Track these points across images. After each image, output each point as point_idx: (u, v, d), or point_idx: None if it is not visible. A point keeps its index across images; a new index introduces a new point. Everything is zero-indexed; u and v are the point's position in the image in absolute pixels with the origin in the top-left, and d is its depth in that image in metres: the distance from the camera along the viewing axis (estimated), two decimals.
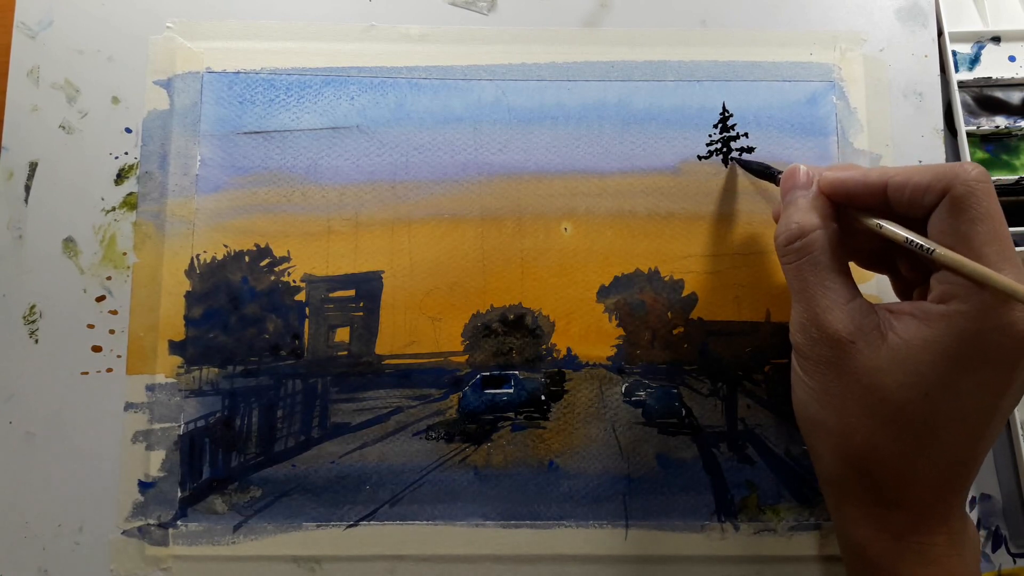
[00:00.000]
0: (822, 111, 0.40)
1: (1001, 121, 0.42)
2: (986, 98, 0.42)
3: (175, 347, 0.38)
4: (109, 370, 0.38)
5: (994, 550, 0.38)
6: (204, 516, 0.37)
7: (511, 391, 0.38)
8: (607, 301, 0.39)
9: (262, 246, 0.39)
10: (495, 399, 0.38)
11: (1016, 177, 0.40)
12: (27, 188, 0.39)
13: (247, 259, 0.39)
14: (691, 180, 0.40)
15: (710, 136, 0.40)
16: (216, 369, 0.38)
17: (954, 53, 0.42)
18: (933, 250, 0.28)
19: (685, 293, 0.39)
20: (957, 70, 0.42)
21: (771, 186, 0.38)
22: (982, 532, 0.38)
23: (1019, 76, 0.42)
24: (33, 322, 0.38)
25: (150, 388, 0.38)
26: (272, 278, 0.39)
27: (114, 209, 0.39)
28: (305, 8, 0.41)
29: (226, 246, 0.39)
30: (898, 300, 0.35)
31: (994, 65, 0.42)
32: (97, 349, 0.38)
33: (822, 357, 0.30)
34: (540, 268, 0.39)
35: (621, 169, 0.40)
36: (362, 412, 0.38)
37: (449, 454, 0.38)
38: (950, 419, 0.29)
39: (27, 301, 0.38)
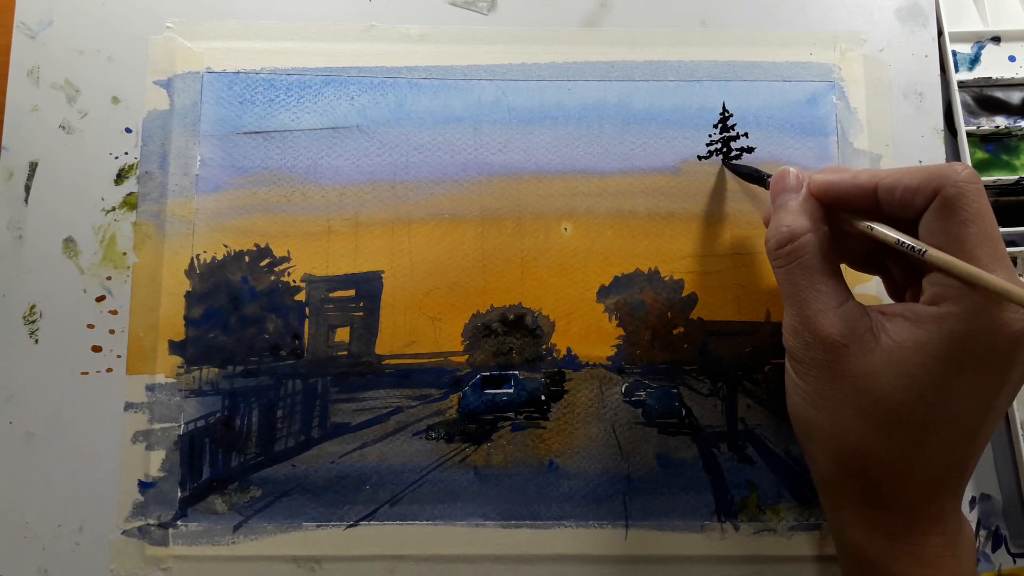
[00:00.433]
0: (822, 111, 0.40)
1: (1001, 121, 0.42)
2: (986, 98, 0.42)
3: (175, 347, 0.38)
4: (109, 370, 0.38)
5: (994, 550, 0.38)
6: (204, 516, 0.37)
7: (511, 391, 0.38)
8: (607, 301, 0.39)
9: (262, 246, 0.39)
10: (495, 399, 0.38)
11: (1016, 177, 0.40)
12: (27, 188, 0.39)
13: (247, 259, 0.39)
14: (691, 180, 0.40)
15: (710, 136, 0.40)
16: (216, 369, 0.38)
17: (954, 53, 0.42)
18: (924, 251, 0.28)
19: (685, 293, 0.39)
20: (957, 70, 0.42)
21: (761, 190, 0.38)
22: (982, 532, 0.38)
23: (1019, 76, 0.42)
24: (33, 322, 0.38)
25: (150, 388, 0.38)
26: (272, 278, 0.39)
27: (114, 209, 0.39)
28: (305, 8, 0.41)
29: (226, 246, 0.39)
30: (891, 302, 0.35)
31: (994, 65, 0.42)
32: (97, 349, 0.38)
33: (815, 360, 0.30)
34: (540, 268, 0.39)
35: (621, 169, 0.40)
36: (362, 412, 0.38)
37: (449, 454, 0.38)
38: (944, 421, 0.28)
39: (27, 301, 0.38)
